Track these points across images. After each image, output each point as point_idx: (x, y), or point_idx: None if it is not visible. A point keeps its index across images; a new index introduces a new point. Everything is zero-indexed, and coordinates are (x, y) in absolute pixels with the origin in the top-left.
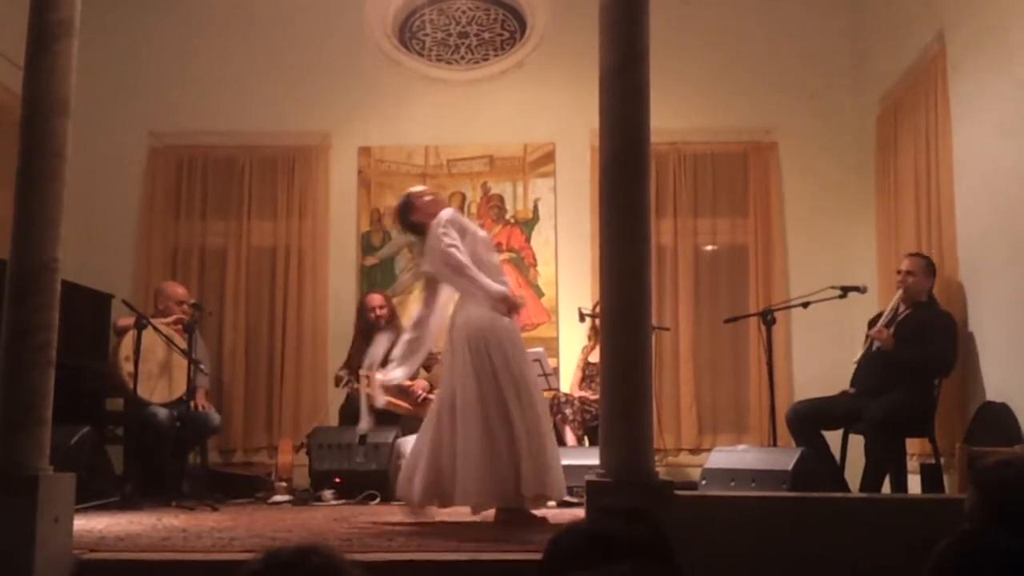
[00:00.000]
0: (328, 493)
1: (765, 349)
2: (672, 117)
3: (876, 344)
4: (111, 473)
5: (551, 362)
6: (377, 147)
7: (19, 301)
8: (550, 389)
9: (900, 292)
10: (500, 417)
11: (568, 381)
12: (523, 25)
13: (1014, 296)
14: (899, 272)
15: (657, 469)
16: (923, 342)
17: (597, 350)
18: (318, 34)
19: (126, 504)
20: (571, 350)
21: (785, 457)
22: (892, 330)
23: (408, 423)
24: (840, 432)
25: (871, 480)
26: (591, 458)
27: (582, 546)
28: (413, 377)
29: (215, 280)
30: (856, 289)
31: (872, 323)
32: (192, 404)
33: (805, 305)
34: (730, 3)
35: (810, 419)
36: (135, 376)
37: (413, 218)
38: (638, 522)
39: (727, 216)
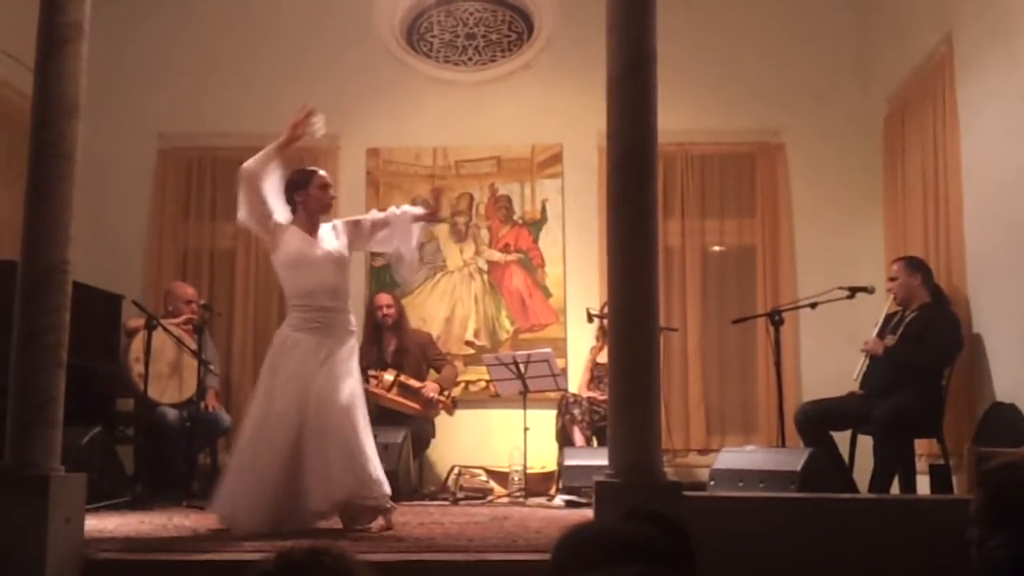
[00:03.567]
0: None
1: (773, 350)
2: (679, 118)
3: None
4: (122, 473)
5: (559, 363)
6: (385, 148)
7: (30, 302)
8: (558, 390)
9: (890, 299)
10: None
11: (576, 382)
12: (530, 26)
13: (1023, 296)
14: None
15: (665, 470)
16: (926, 341)
17: (605, 351)
18: (327, 36)
19: (136, 504)
20: (579, 351)
21: (793, 458)
22: (888, 337)
23: (418, 423)
24: (848, 433)
25: (880, 481)
26: (599, 458)
27: (590, 547)
28: (423, 379)
29: (224, 281)
30: (864, 290)
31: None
32: (203, 405)
33: (813, 306)
34: (738, 4)
35: (818, 420)
36: (145, 377)
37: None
38: (661, 526)
39: (735, 217)
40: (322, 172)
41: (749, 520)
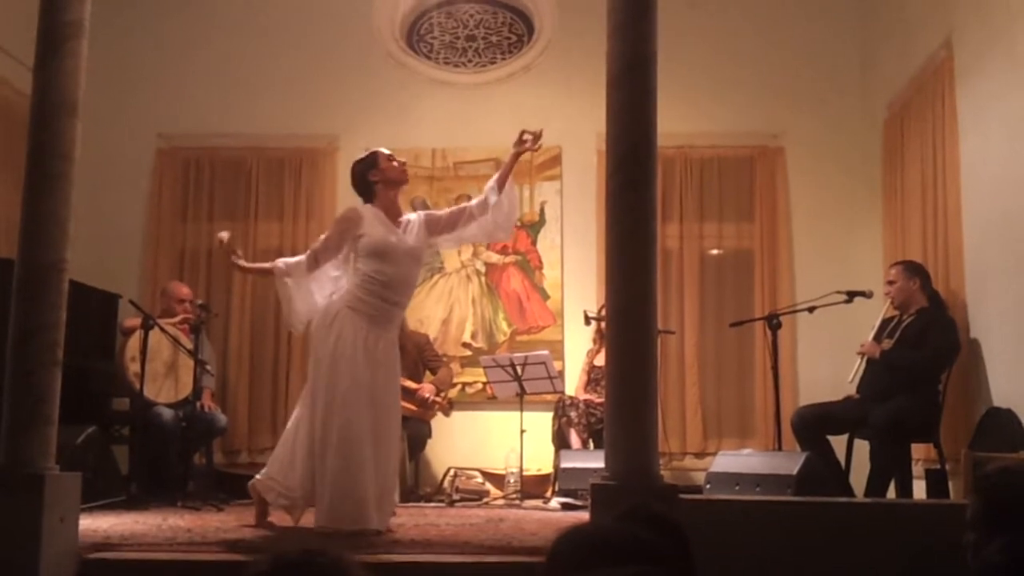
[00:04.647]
0: None
1: (770, 353)
2: (679, 121)
3: (866, 357)
4: (117, 473)
5: (556, 365)
6: (384, 149)
7: (27, 301)
8: (555, 392)
9: (887, 303)
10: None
11: (573, 384)
12: (530, 29)
13: (1020, 302)
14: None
15: (662, 473)
16: (922, 345)
17: (603, 353)
18: (327, 37)
19: (131, 504)
20: (576, 353)
21: (790, 462)
22: (885, 341)
23: (414, 425)
24: (845, 437)
25: (876, 485)
26: (596, 461)
27: (586, 548)
28: (419, 381)
29: (221, 281)
30: (862, 294)
31: (879, 332)
32: (198, 405)
33: (811, 310)
34: (738, 7)
35: (815, 424)
36: (141, 376)
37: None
38: (659, 527)
39: (733, 220)
40: (381, 149)
41: (745, 524)
